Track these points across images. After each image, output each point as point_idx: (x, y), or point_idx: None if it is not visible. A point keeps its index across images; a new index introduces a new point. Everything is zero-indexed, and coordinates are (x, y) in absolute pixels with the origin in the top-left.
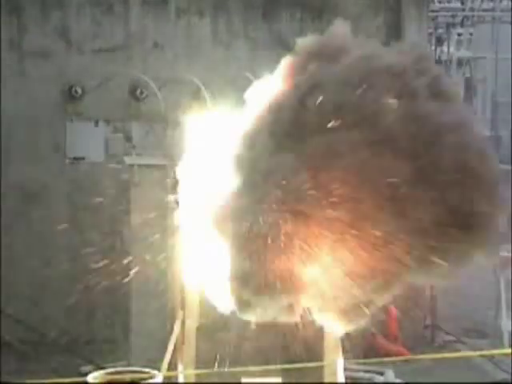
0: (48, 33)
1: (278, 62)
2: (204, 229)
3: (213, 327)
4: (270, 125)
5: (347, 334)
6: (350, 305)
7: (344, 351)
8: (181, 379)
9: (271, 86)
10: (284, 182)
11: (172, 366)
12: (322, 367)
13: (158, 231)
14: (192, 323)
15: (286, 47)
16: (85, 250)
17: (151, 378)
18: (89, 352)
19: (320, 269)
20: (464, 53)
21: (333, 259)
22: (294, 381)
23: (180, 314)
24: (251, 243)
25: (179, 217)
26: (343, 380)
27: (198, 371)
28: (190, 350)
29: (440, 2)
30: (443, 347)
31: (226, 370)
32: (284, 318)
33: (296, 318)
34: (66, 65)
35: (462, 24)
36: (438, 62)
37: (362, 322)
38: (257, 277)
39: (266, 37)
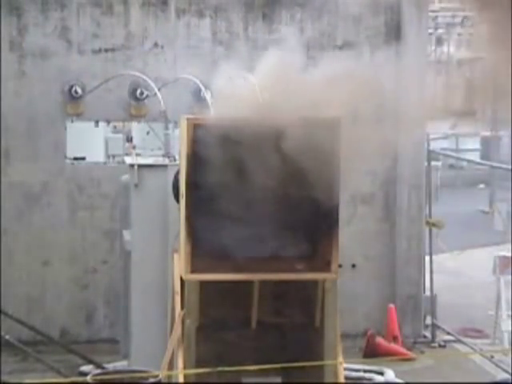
0: (48, 33)
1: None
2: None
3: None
4: None
5: (347, 334)
6: None
7: (344, 351)
8: (181, 379)
9: None
10: None
11: (172, 365)
12: (322, 367)
13: (158, 231)
14: (192, 323)
15: (286, 47)
16: (85, 249)
17: (151, 378)
18: (89, 352)
19: None
20: (464, 53)
21: None
22: (294, 381)
23: (180, 313)
24: None
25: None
26: (343, 380)
27: (198, 371)
28: (190, 350)
29: (440, 2)
30: (443, 347)
31: (225, 369)
32: None
33: None
34: (66, 65)
35: (461, 24)
36: (438, 62)
37: None
38: None
39: (266, 37)
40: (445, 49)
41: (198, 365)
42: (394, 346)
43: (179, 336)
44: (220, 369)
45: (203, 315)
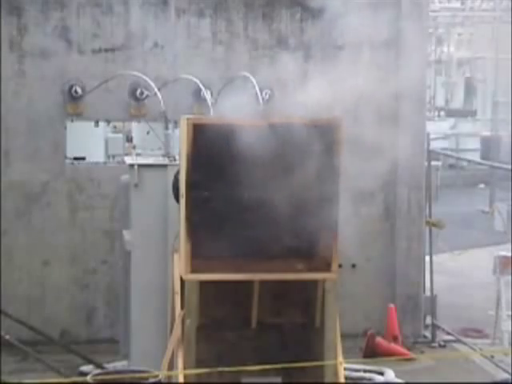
0: (48, 33)
1: (278, 61)
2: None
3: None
4: None
5: (347, 334)
6: None
7: (344, 351)
8: (181, 379)
9: None
10: None
11: (172, 365)
12: (322, 367)
13: (158, 231)
14: (192, 323)
15: (286, 47)
16: (85, 250)
17: (151, 378)
18: (89, 352)
19: None
20: (464, 53)
21: None
22: (294, 381)
23: (180, 313)
24: None
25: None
26: (343, 380)
27: (198, 371)
28: (190, 350)
29: (440, 2)
30: (443, 347)
31: (225, 369)
32: None
33: None
34: (66, 65)
35: (462, 24)
36: (438, 61)
37: None
38: None
39: (266, 37)
40: (445, 49)
41: (198, 365)
42: (394, 346)
43: (179, 336)
44: (220, 369)
45: (203, 315)
